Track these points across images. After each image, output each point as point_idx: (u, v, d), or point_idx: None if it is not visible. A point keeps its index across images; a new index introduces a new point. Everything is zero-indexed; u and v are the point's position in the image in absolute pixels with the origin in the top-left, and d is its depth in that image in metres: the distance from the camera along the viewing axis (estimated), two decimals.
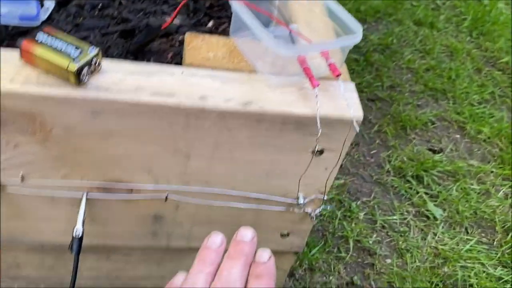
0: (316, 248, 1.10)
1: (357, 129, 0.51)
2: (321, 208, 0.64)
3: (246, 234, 0.42)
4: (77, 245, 0.58)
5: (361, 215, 1.20)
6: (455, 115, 1.55)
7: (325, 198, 0.61)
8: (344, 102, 0.52)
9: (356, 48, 1.74)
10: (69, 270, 0.75)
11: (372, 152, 1.38)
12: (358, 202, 1.24)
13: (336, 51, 0.55)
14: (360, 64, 1.66)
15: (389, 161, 1.36)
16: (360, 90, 1.58)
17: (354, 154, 1.36)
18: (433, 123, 1.51)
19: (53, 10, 0.71)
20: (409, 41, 1.83)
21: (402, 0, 2.01)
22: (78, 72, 0.47)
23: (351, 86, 0.56)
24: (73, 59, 0.47)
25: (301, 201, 0.62)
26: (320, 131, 0.51)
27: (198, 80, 0.52)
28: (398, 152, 1.38)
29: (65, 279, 0.77)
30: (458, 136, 1.49)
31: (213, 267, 0.40)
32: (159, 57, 0.66)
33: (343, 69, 0.58)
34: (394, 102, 1.55)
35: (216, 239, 0.42)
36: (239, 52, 0.57)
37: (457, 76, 1.69)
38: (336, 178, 1.27)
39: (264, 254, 0.43)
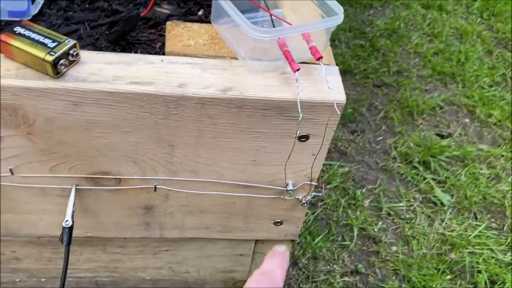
0: (320, 237, 1.09)
1: (339, 112, 0.50)
2: (312, 194, 0.63)
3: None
4: (67, 237, 0.59)
5: (366, 202, 1.19)
6: (464, 98, 1.52)
7: (313, 184, 0.60)
8: (325, 85, 0.51)
9: (362, 33, 1.71)
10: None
11: (378, 138, 1.37)
12: (363, 190, 1.22)
13: (319, 35, 0.54)
14: (366, 50, 1.64)
15: (396, 148, 1.34)
16: (366, 76, 1.56)
17: (359, 141, 1.35)
18: (441, 108, 1.48)
19: (43, 4, 0.71)
20: (416, 25, 1.79)
21: None
22: (55, 63, 0.47)
23: (334, 69, 0.55)
24: (50, 50, 0.47)
25: (290, 187, 0.61)
26: (301, 116, 0.50)
27: (177, 68, 0.52)
28: (404, 138, 1.36)
29: None
30: (467, 120, 1.46)
31: None
32: (148, 48, 0.66)
33: (327, 53, 0.57)
34: (401, 88, 1.53)
35: None
36: (221, 39, 0.56)
37: (466, 59, 1.66)
38: (340, 166, 1.26)
39: (281, 246, 0.53)
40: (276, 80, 0.52)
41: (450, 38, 1.76)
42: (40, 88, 0.48)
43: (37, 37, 0.49)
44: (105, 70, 0.50)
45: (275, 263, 0.49)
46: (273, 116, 0.53)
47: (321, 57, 0.51)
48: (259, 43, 0.51)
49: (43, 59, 0.47)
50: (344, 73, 1.55)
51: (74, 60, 0.50)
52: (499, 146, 1.39)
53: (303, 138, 0.56)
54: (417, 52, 1.67)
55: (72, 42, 0.49)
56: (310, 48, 0.52)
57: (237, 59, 0.54)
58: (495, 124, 1.45)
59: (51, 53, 0.47)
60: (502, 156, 1.35)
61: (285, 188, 0.62)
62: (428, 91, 1.54)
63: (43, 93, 0.49)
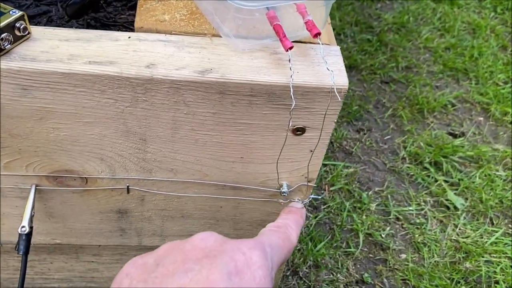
0: (322, 243, 1.00)
1: (340, 98, 0.42)
2: (310, 197, 0.55)
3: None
4: (24, 245, 0.50)
5: (373, 206, 1.10)
6: (478, 96, 1.42)
7: (309, 185, 0.52)
8: (324, 67, 0.43)
9: (369, 28, 1.62)
10: (36, 271, 0.68)
11: (385, 138, 1.27)
12: (370, 192, 1.13)
13: (317, 8, 0.45)
14: (373, 45, 1.54)
15: (405, 147, 1.24)
16: (373, 72, 1.47)
17: (366, 140, 1.26)
18: (453, 105, 1.39)
19: None
20: (426, 19, 1.70)
21: None
22: None
23: (335, 49, 0.46)
24: None
25: (284, 189, 0.53)
26: (294, 103, 0.42)
27: (147, 46, 0.43)
28: (414, 137, 1.27)
29: (35, 281, 0.70)
30: (481, 118, 1.37)
31: None
32: (125, 30, 0.58)
33: (327, 31, 0.49)
34: (410, 84, 1.43)
35: None
36: (201, 14, 0.48)
37: (480, 54, 1.56)
38: (345, 167, 1.17)
39: (298, 203, 0.52)
40: (265, 60, 0.44)
41: (462, 32, 1.66)
42: None
43: None
44: (59, 48, 0.42)
45: (291, 219, 0.46)
46: (262, 104, 0.44)
47: (319, 34, 0.42)
48: (245, 15, 0.42)
49: None
50: (350, 68, 1.45)
51: (23, 36, 0.42)
52: None
53: (299, 131, 0.47)
54: (427, 47, 1.58)
55: (18, 13, 0.41)
56: (306, 23, 0.43)
57: (220, 36, 0.46)
58: (511, 122, 1.36)
59: None
60: None
61: (278, 190, 0.54)
62: (439, 87, 1.44)
63: None
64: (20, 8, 0.57)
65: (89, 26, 0.58)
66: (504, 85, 1.46)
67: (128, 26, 0.59)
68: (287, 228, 0.44)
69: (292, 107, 0.42)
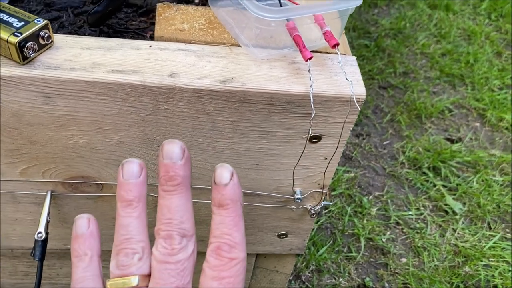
0: (324, 248, 1.01)
1: (359, 108, 0.43)
2: (322, 204, 0.56)
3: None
4: (40, 251, 0.51)
5: (373, 210, 1.11)
6: (474, 101, 1.44)
7: (325, 191, 0.53)
8: (343, 77, 0.44)
9: (367, 33, 1.64)
10: (44, 276, 0.68)
11: (384, 143, 1.29)
12: (370, 197, 1.14)
13: (333, 20, 0.46)
14: (371, 50, 1.56)
15: (403, 152, 1.26)
16: (371, 77, 1.48)
17: (365, 145, 1.27)
18: (450, 111, 1.41)
19: None
20: (423, 25, 1.72)
21: None
22: (21, 46, 0.39)
23: (352, 59, 0.47)
24: (15, 31, 0.39)
25: (298, 196, 0.53)
26: (314, 112, 0.42)
27: (168, 55, 0.44)
28: (413, 143, 1.29)
29: (42, 286, 0.70)
30: (477, 124, 1.39)
31: (141, 204, 0.35)
32: (137, 37, 0.59)
33: (343, 41, 0.50)
34: (408, 89, 1.45)
35: (132, 167, 0.35)
36: (219, 23, 0.48)
37: (475, 60, 1.58)
38: (346, 172, 1.18)
39: (225, 174, 0.34)
40: (285, 70, 0.45)
41: (458, 39, 1.68)
42: (4, 76, 0.40)
43: (2, 16, 0.41)
44: (82, 57, 0.42)
45: None
46: (280, 113, 0.45)
47: (338, 44, 0.43)
48: (265, 25, 0.43)
49: (7, 41, 0.39)
50: None
51: (46, 44, 0.42)
52: None
53: (315, 139, 0.48)
54: (424, 53, 1.60)
55: (43, 22, 0.41)
56: (324, 34, 0.44)
57: (238, 46, 0.47)
58: (506, 128, 1.38)
59: (16, 34, 0.39)
60: None
61: (292, 197, 0.54)
62: (436, 93, 1.46)
63: (7, 82, 0.41)
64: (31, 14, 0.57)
65: (101, 33, 0.58)
66: (499, 91, 1.49)
67: (140, 32, 0.60)
68: None
69: (312, 116, 0.43)
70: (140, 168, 0.35)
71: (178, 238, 0.33)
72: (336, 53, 0.45)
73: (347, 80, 0.43)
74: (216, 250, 0.33)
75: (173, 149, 0.34)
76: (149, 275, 0.34)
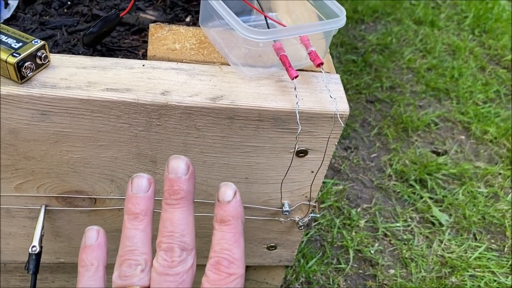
0: (314, 260, 1.03)
1: (343, 124, 0.45)
2: (309, 216, 0.58)
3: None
4: (34, 264, 0.52)
5: (362, 222, 1.13)
6: (459, 115, 1.48)
7: (312, 204, 0.54)
8: (327, 95, 0.46)
9: (354, 49, 1.68)
10: None
11: (372, 155, 1.31)
12: (358, 209, 1.16)
13: (318, 40, 0.49)
14: (358, 65, 1.60)
15: (391, 165, 1.29)
16: (358, 92, 1.51)
17: (353, 158, 1.30)
18: (436, 124, 1.44)
19: (17, 8, 0.66)
20: (409, 40, 1.77)
21: None
22: (19, 66, 0.41)
23: (336, 77, 0.49)
24: (14, 51, 0.41)
25: (286, 208, 0.55)
26: (300, 128, 0.45)
27: (160, 74, 0.46)
28: (399, 155, 1.31)
29: None
30: (463, 137, 1.42)
31: (147, 218, 0.36)
32: (130, 55, 0.61)
33: (327, 60, 0.52)
34: (395, 103, 1.48)
35: (141, 182, 0.36)
36: (210, 43, 0.50)
37: (460, 75, 1.62)
38: (335, 184, 1.21)
39: (228, 191, 0.36)
40: (272, 88, 0.47)
41: (443, 54, 1.73)
42: (2, 95, 0.42)
43: (0, 37, 0.43)
44: (77, 75, 0.44)
45: None
46: (268, 129, 0.47)
47: (322, 63, 0.46)
48: (252, 46, 0.45)
49: (5, 61, 0.41)
50: None
51: (43, 64, 0.44)
52: (496, 163, 1.34)
53: (301, 153, 0.50)
54: (410, 67, 1.64)
55: (40, 42, 0.43)
56: (309, 53, 0.46)
57: (228, 65, 0.49)
58: (491, 141, 1.41)
59: (14, 54, 0.41)
60: (500, 174, 1.31)
61: (280, 209, 0.56)
62: (423, 107, 1.50)
63: (5, 100, 0.42)
64: (25, 32, 0.59)
65: (95, 51, 0.60)
66: (483, 105, 1.52)
67: (132, 51, 0.62)
68: None
69: (298, 132, 0.45)
70: (149, 183, 0.36)
71: (178, 251, 0.34)
72: (321, 72, 0.47)
73: (331, 97, 0.45)
74: (216, 265, 0.34)
75: (178, 164, 0.35)
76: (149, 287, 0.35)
